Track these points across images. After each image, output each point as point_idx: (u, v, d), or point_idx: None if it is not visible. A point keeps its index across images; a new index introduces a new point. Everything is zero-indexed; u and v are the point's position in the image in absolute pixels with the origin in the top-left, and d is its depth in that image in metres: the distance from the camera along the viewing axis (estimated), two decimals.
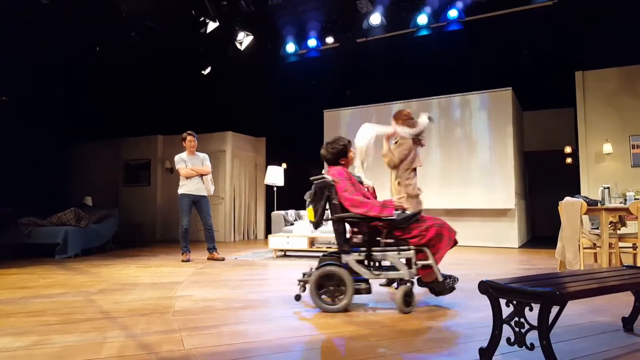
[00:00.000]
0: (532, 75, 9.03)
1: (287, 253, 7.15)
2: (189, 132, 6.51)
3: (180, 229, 6.33)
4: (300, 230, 6.97)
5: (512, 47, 8.56)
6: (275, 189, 8.77)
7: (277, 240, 6.80)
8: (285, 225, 7.61)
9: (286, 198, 9.28)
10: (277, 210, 7.98)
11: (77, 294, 3.89)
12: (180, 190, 6.37)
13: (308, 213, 3.52)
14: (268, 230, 9.71)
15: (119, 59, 8.18)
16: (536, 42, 8.29)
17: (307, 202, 3.51)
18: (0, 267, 5.59)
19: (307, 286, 3.28)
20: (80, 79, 8.61)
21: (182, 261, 6.21)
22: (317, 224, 3.47)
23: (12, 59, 7.39)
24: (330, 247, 6.65)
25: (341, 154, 3.61)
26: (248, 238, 11.07)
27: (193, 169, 6.37)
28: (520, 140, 9.70)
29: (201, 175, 6.43)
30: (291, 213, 7.96)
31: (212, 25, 7.39)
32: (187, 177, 6.34)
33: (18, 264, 6.01)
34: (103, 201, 10.07)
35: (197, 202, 6.40)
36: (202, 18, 7.37)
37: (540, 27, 7.87)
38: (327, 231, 7.27)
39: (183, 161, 6.40)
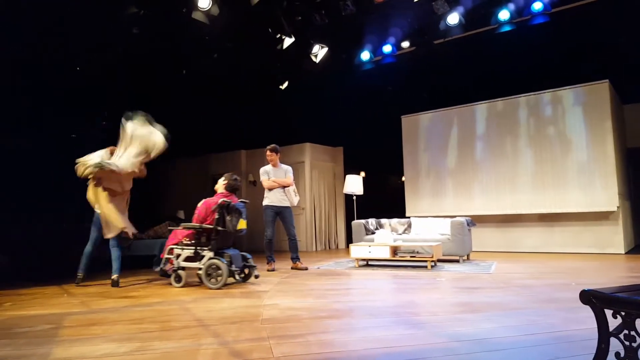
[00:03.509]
0: (631, 66, 8.18)
1: (370, 262, 7.07)
2: (268, 146, 6.70)
3: (265, 239, 6.52)
4: (382, 238, 6.85)
5: (606, 36, 7.82)
6: (354, 197, 8.76)
7: (358, 250, 6.74)
8: (366, 234, 7.54)
9: (366, 206, 9.21)
10: (357, 219, 7.94)
11: (173, 303, 4.13)
12: (264, 202, 6.57)
13: (242, 223, 5.16)
14: (349, 240, 9.69)
15: (203, 82, 8.71)
16: (634, 28, 7.51)
17: (240, 216, 5.14)
18: (106, 278, 6.08)
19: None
20: (167, 100, 9.25)
21: (268, 270, 6.38)
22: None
23: (114, 89, 8.17)
24: (414, 257, 6.47)
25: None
26: (329, 248, 11.14)
27: (275, 180, 6.54)
28: (622, 136, 8.81)
29: (283, 187, 6.58)
30: (372, 222, 7.87)
31: (288, 41, 7.62)
32: (270, 189, 6.53)
33: (120, 275, 6.51)
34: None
35: (280, 213, 6.55)
36: (279, 35, 7.63)
37: (638, 11, 7.13)
38: (409, 240, 7.11)
39: (267, 173, 6.60)
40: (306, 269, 6.51)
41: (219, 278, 4.84)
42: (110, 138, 5.59)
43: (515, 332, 2.79)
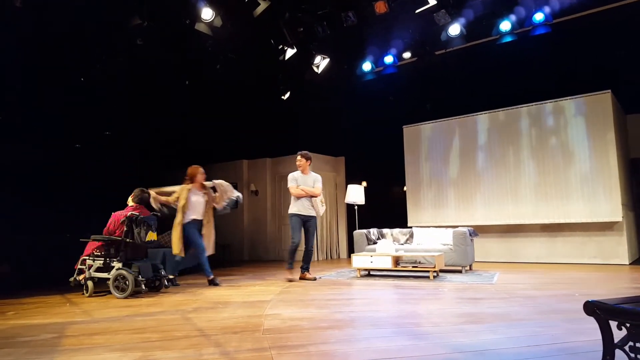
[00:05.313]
0: (634, 75, 8.19)
1: (371, 272, 7.04)
2: (299, 152, 6.46)
3: (292, 244, 6.26)
4: (384, 248, 6.82)
5: (608, 47, 7.86)
6: (356, 207, 8.75)
7: (360, 260, 6.72)
8: (368, 244, 7.51)
9: (368, 216, 9.19)
10: (358, 229, 7.92)
11: (174, 312, 4.12)
12: (291, 210, 6.33)
13: (152, 235, 5.58)
14: (350, 250, 9.66)
15: (206, 92, 8.76)
16: (636, 37, 7.55)
17: (149, 229, 5.50)
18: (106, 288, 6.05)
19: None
20: (170, 110, 9.31)
21: (286, 279, 6.27)
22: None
23: (119, 99, 8.23)
24: (416, 267, 6.44)
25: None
26: (331, 257, 11.11)
27: (304, 189, 6.30)
28: (625, 146, 8.81)
29: (311, 197, 6.39)
30: (374, 232, 7.85)
31: (290, 52, 7.67)
32: (297, 197, 6.33)
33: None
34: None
35: (306, 222, 6.32)
36: (281, 46, 7.68)
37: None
38: (411, 250, 7.08)
39: (295, 180, 6.37)
40: (314, 279, 6.41)
41: (125, 288, 5.11)
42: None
43: (519, 343, 2.77)
